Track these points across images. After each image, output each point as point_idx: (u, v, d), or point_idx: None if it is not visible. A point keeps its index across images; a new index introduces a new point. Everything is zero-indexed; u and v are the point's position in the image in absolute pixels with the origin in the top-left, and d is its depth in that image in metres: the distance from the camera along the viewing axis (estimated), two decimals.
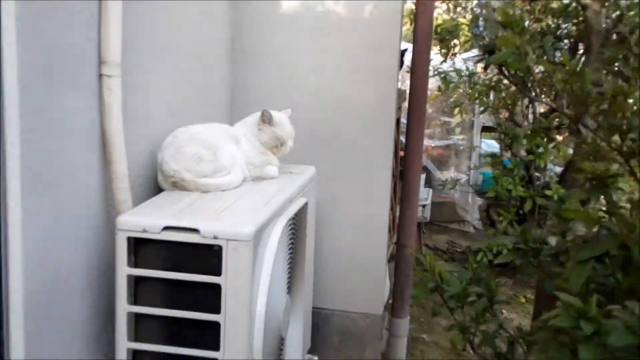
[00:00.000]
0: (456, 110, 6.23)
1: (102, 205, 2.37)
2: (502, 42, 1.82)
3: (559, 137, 4.80)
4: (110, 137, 2.31)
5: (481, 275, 1.89)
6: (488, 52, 3.26)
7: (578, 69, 1.84)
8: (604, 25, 3.60)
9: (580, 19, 4.40)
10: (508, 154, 5.43)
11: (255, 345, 2.25)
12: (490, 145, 10.03)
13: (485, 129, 8.20)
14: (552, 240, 1.98)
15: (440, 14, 5.83)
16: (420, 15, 3.51)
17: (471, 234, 7.04)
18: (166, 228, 2.21)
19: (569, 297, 1.17)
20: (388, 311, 3.94)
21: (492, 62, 1.83)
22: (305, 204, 2.80)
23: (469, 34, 6.92)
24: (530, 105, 5.32)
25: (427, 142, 7.35)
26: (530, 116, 5.46)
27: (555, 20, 4.38)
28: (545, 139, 4.53)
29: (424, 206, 6.31)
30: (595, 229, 1.59)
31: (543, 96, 4.56)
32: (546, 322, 1.44)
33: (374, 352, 3.73)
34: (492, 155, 5.16)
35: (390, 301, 3.89)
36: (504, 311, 4.81)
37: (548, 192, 4.41)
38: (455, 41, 6.29)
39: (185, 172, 2.57)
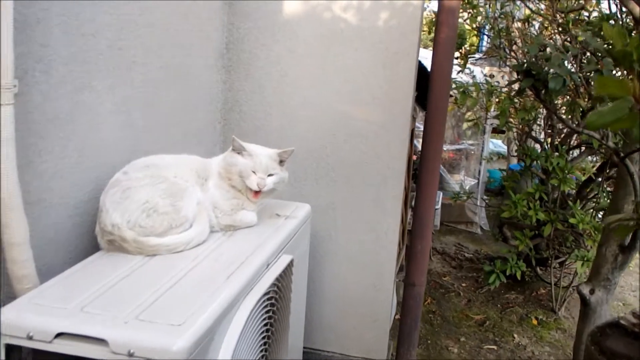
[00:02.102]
0: (470, 117, 5.13)
1: None
2: (613, 87, 0.79)
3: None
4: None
5: None
6: (523, 72, 2.24)
7: None
8: None
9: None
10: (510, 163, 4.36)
11: None
12: (497, 144, 8.94)
13: (494, 131, 7.14)
14: None
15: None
16: (443, 23, 2.44)
17: (478, 235, 5.99)
18: (60, 335, 1.22)
19: None
20: (395, 327, 2.93)
21: (590, 125, 0.79)
22: (290, 263, 1.80)
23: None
24: (549, 120, 4.22)
25: None
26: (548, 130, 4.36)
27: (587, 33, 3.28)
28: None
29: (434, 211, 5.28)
30: None
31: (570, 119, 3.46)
32: None
33: None
34: (509, 178, 4.09)
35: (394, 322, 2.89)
36: (515, 335, 3.79)
37: (572, 220, 3.36)
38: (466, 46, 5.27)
39: (127, 229, 1.57)
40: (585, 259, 3.51)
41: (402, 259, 3.87)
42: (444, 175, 6.08)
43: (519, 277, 3.80)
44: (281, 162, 1.86)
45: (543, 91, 2.33)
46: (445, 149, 6.33)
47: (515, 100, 3.65)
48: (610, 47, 0.83)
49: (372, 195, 2.54)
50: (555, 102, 2.90)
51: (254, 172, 1.78)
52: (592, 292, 2.49)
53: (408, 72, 2.44)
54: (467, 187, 6.12)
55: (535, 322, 3.97)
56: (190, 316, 1.28)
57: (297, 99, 2.52)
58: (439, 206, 5.35)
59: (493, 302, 4.26)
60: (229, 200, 1.80)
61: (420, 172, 2.58)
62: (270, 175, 1.81)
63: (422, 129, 4.61)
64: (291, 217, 2.00)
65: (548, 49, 2.37)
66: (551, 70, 2.06)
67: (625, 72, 0.81)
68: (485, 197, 6.49)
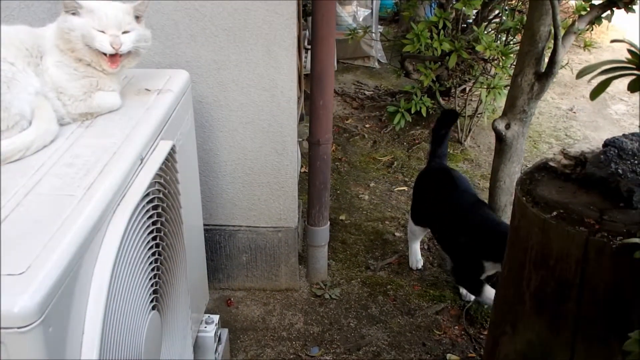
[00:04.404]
0: None
1: None
2: None
3: None
4: None
5: None
6: None
7: None
8: None
9: None
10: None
11: None
12: None
13: None
14: None
15: None
16: None
17: (377, 70, 5.77)
18: None
19: None
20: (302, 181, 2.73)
21: None
22: (172, 149, 1.47)
23: None
24: None
25: None
26: None
27: None
28: None
29: None
30: None
31: None
32: None
33: (290, 268, 2.60)
34: (408, 6, 3.72)
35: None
36: None
37: (479, 47, 3.15)
38: None
39: None
40: (490, 86, 3.38)
41: (302, 108, 3.61)
42: (335, 9, 5.66)
43: (424, 114, 3.65)
44: (137, 18, 1.45)
45: None
46: None
47: None
48: None
49: (261, 48, 2.18)
50: None
51: (101, 31, 1.37)
52: (507, 126, 2.35)
53: None
54: (360, 19, 5.79)
55: None
56: (37, 257, 0.95)
57: None
58: None
59: (399, 141, 4.14)
60: (79, 81, 1.39)
61: (314, 14, 2.24)
62: (125, 32, 1.40)
63: None
64: (165, 90, 1.63)
65: None
66: None
67: None
68: (379, 26, 6.19)
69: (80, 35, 1.36)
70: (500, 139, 2.38)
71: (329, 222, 2.62)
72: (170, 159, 1.46)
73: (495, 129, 2.36)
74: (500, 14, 3.67)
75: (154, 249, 1.35)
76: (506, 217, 2.33)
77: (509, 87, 2.39)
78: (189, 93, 1.76)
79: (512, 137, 2.35)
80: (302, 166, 3.36)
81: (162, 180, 1.39)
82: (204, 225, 2.20)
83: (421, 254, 2.87)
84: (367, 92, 5.16)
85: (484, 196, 3.38)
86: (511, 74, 3.17)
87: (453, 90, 4.03)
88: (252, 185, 2.42)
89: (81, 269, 1.04)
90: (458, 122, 4.01)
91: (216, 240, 2.52)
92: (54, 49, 1.38)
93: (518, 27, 3.18)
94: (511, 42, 3.56)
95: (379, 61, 5.91)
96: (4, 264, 0.93)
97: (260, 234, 2.51)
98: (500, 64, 3.15)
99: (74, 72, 1.39)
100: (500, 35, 3.68)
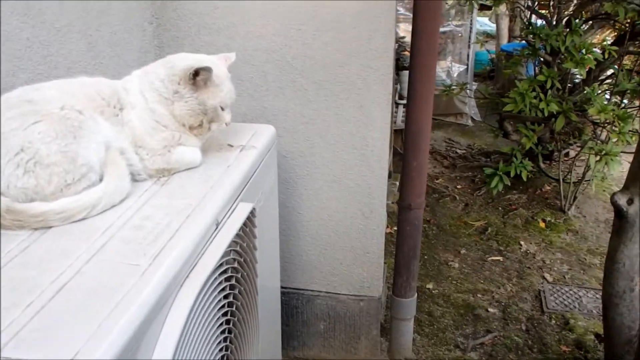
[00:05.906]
0: None
1: None
2: None
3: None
4: None
5: None
6: None
7: None
8: None
9: None
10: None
11: None
12: (483, 23, 8.36)
13: (482, 7, 6.53)
14: None
15: None
16: None
17: (469, 127, 5.57)
18: None
19: None
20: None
21: None
22: (251, 213, 1.34)
23: None
24: None
25: None
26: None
27: None
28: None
29: None
30: None
31: None
32: None
33: (370, 341, 2.41)
34: (512, 63, 3.51)
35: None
36: (521, 242, 3.45)
37: (592, 110, 2.91)
38: None
39: None
40: (601, 151, 3.10)
41: (389, 165, 3.47)
42: (436, 66, 5.56)
43: (524, 178, 3.41)
44: None
45: None
46: None
47: None
48: None
49: (353, 104, 2.06)
50: None
51: (222, 107, 1.37)
52: (630, 202, 2.09)
53: None
54: (455, 75, 5.65)
55: (542, 224, 3.63)
56: (92, 337, 0.83)
57: None
58: None
59: (493, 205, 3.90)
60: (160, 134, 1.30)
61: (412, 70, 2.10)
62: None
63: (401, 11, 4.02)
64: (249, 146, 1.52)
65: None
66: None
67: None
68: (473, 82, 6.01)
69: (203, 111, 1.35)
70: (620, 215, 2.12)
71: (416, 294, 2.42)
72: (248, 224, 1.33)
73: (614, 204, 2.11)
74: (615, 75, 3.41)
75: (223, 326, 1.21)
76: (624, 305, 2.05)
77: (624, 154, 2.14)
78: (274, 150, 1.65)
79: (634, 214, 2.09)
80: (386, 226, 3.20)
81: (238, 248, 1.27)
82: (281, 287, 2.07)
83: (518, 335, 2.61)
84: (459, 151, 4.96)
85: (591, 274, 3.09)
86: (628, 141, 2.92)
87: (556, 154, 3.76)
88: (334, 248, 2.27)
89: (138, 353, 0.91)
90: (561, 188, 3.73)
91: (293, 304, 2.37)
92: (140, 101, 1.30)
93: (637, 89, 2.92)
94: (626, 106, 3.29)
95: (472, 118, 5.72)
96: (53, 346, 0.81)
97: (340, 301, 2.35)
98: (617, 129, 2.88)
99: (156, 125, 1.30)
100: (613, 97, 3.42)
